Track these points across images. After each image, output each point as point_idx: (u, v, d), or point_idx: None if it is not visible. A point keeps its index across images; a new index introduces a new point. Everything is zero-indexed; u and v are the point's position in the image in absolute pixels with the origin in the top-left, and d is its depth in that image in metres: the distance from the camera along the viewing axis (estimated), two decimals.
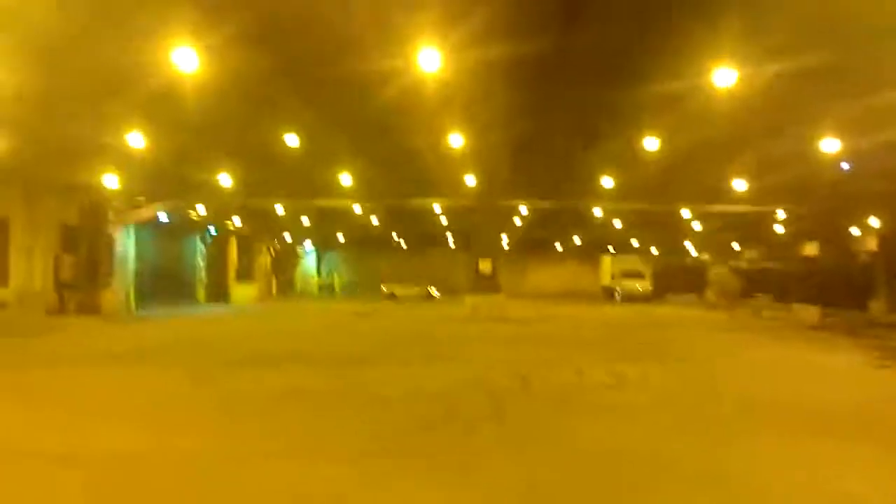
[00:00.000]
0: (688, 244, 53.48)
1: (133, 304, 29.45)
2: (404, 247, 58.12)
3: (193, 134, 18.04)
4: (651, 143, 18.27)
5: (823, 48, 11.31)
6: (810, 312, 26.90)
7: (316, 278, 62.25)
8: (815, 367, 14.60)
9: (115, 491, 5.62)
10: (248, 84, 14.09)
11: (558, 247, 58.35)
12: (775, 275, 39.53)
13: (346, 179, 24.65)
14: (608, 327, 24.58)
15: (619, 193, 26.75)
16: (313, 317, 30.18)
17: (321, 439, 7.52)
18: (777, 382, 12.17)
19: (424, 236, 50.07)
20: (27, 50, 12.38)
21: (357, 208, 33.94)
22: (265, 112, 16.52)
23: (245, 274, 45.79)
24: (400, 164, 22.45)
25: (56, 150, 19.84)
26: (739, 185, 24.38)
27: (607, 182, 24.78)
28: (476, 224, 32.63)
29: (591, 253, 57.18)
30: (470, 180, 24.68)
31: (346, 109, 16.24)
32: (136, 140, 18.06)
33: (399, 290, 48.21)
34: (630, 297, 45.12)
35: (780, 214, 32.66)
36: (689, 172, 22.56)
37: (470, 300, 29.58)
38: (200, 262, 41.09)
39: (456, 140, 18.36)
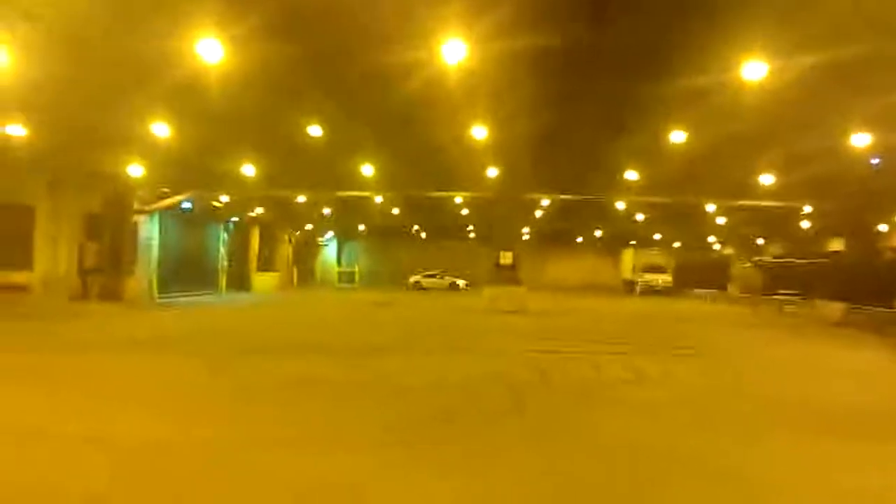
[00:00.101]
0: (711, 239, 52.99)
1: (155, 291, 29.76)
2: (424, 238, 58.20)
3: (217, 124, 18.11)
4: (676, 137, 18.09)
5: (854, 41, 11.11)
6: (834, 309, 26.52)
7: (336, 268, 62.51)
8: (839, 364, 14.40)
9: (137, 475, 5.67)
10: (272, 75, 14.11)
11: (579, 240, 58.09)
12: (800, 271, 39.01)
13: (367, 170, 24.65)
14: (628, 322, 24.43)
15: (643, 187, 26.52)
16: (333, 306, 30.34)
17: (340, 428, 7.54)
18: (799, 380, 12.02)
19: (445, 227, 50.12)
20: (54, 39, 12.50)
21: (378, 199, 33.99)
22: (289, 102, 16.55)
23: (266, 263, 46.07)
24: (422, 156, 22.39)
25: (81, 140, 20.03)
26: (765, 179, 24.06)
27: (630, 175, 24.57)
28: (497, 216, 32.55)
29: (612, 246, 56.90)
30: (492, 172, 24.58)
31: (369, 100, 16.22)
32: (160, 130, 18.20)
33: (426, 281, 48.42)
34: (651, 291, 44.83)
35: (806, 210, 32.22)
36: (715, 166, 22.28)
37: (490, 292, 29.54)
38: (222, 251, 41.37)
39: (478, 132, 18.29)
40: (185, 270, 35.46)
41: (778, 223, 38.43)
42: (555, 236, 52.58)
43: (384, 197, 33.66)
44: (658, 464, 6.40)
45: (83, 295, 26.63)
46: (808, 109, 15.37)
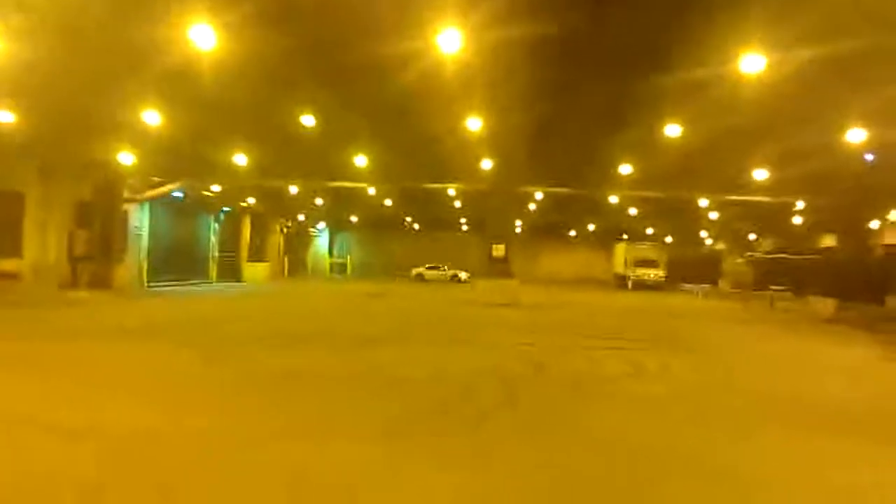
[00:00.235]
0: (703, 233, 53.14)
1: (145, 279, 29.60)
2: (417, 229, 58.14)
3: (209, 112, 17.96)
4: (670, 130, 18.05)
5: (850, 35, 11.08)
6: (826, 305, 26.60)
7: (328, 259, 62.37)
8: (830, 360, 14.41)
9: (126, 466, 5.57)
10: (266, 63, 13.98)
11: (572, 233, 58.12)
12: (791, 266, 39.15)
13: (360, 161, 24.53)
14: (621, 316, 24.43)
15: (636, 181, 26.51)
16: (325, 297, 30.24)
17: (333, 420, 7.45)
18: (791, 376, 12.02)
19: (438, 219, 50.14)
20: (45, 25, 12.33)
21: (371, 190, 33.87)
22: (282, 92, 16.41)
23: (257, 253, 45.91)
24: (415, 147, 22.29)
25: (72, 127, 19.85)
26: (758, 174, 24.08)
27: (624, 169, 24.55)
28: (490, 208, 32.50)
29: (604, 240, 56.98)
30: (486, 164, 24.50)
31: (363, 90, 16.10)
32: (151, 118, 18.03)
33: (428, 273, 48.73)
34: (642, 285, 44.89)
35: (799, 206, 32.29)
36: (708, 161, 22.29)
37: (483, 284, 29.50)
38: (213, 240, 41.18)
39: (472, 123, 18.20)
40: (176, 259, 35.30)
41: (770, 219, 38.57)
42: (548, 229, 52.66)
43: (377, 188, 33.55)
44: (653, 459, 6.35)
45: (73, 283, 26.42)
46: (802, 104, 15.37)
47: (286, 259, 52.55)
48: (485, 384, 9.74)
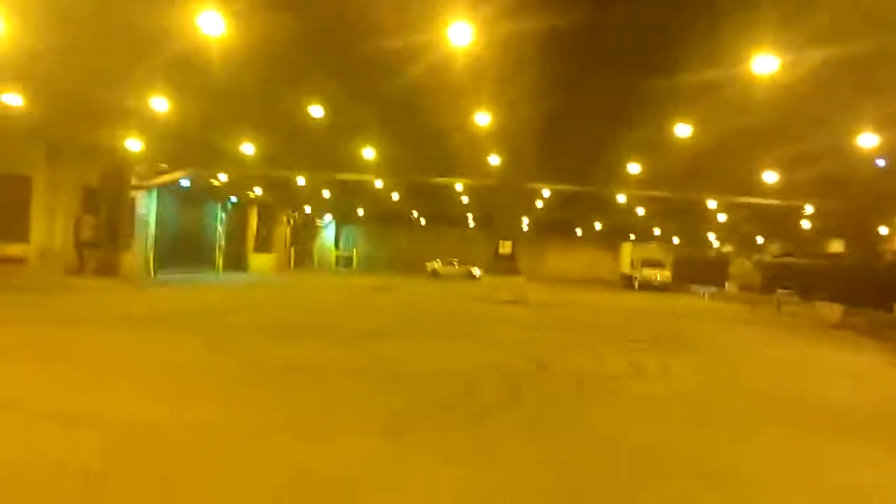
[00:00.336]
0: (710, 235, 52.94)
1: (152, 267, 29.63)
2: (424, 224, 58.08)
3: (219, 101, 17.94)
4: (679, 130, 17.94)
5: (862, 38, 10.95)
6: (833, 310, 26.41)
7: (334, 251, 62.41)
8: (835, 364, 14.32)
9: (127, 456, 5.54)
10: (276, 53, 13.92)
11: (579, 231, 57.95)
12: (799, 270, 38.95)
13: (368, 154, 24.49)
14: (627, 316, 24.33)
15: (645, 180, 26.40)
16: (331, 290, 30.22)
17: (337, 414, 7.41)
18: (795, 378, 11.95)
19: (445, 214, 50.09)
20: (54, 9, 12.30)
21: (379, 183, 33.81)
22: (291, 82, 16.37)
23: (264, 243, 45.94)
24: (424, 141, 22.23)
25: (81, 112, 19.85)
26: (768, 177, 23.92)
27: (633, 168, 24.44)
28: (498, 205, 32.40)
29: (611, 239, 56.82)
30: (494, 160, 24.42)
31: (373, 84, 16.06)
32: (160, 105, 18.01)
33: (443, 269, 48.94)
34: (649, 286, 44.74)
35: (808, 209, 32.09)
36: (718, 162, 22.17)
37: (489, 281, 29.44)
38: (220, 230, 41.22)
39: (481, 118, 18.12)
40: (182, 248, 35.36)
41: (779, 222, 38.35)
42: (555, 227, 52.54)
43: (384, 181, 33.50)
44: (654, 458, 6.31)
45: (79, 268, 26.46)
46: (813, 107, 15.24)
47: (292, 250, 52.57)
48: (488, 380, 9.68)
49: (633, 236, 52.90)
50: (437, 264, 50.97)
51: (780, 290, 34.60)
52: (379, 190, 36.27)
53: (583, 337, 16.10)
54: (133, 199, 28.73)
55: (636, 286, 45.64)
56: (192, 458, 5.63)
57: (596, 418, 7.88)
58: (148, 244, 29.72)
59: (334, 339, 13.41)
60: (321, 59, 14.52)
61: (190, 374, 9.18)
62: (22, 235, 25.11)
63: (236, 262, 41.62)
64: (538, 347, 13.39)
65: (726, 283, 44.84)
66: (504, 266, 29.37)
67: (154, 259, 30.27)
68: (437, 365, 10.98)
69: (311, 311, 19.73)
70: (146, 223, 29.49)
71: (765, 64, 12.40)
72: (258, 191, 40.47)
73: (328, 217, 59.38)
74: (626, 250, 52.26)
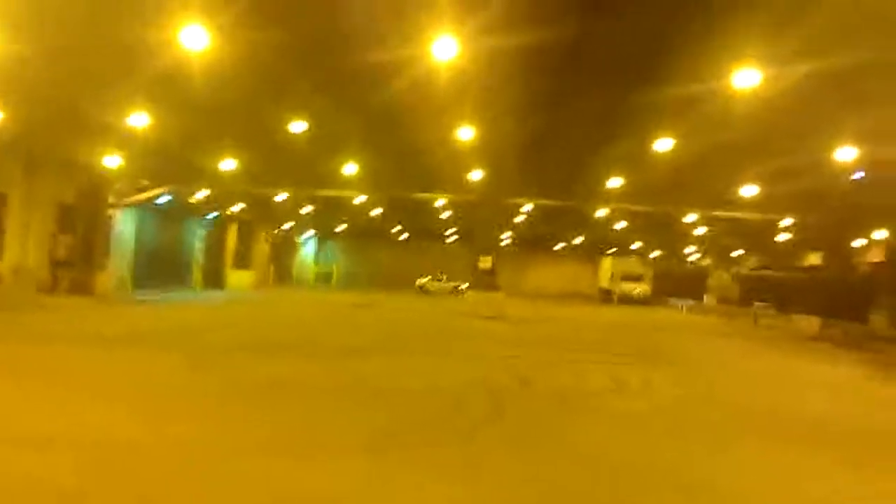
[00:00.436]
0: (689, 249, 53.35)
1: (128, 286, 29.26)
2: (404, 239, 58.00)
3: (199, 117, 17.79)
4: (659, 145, 18.09)
5: (842, 54, 11.12)
6: (810, 323, 26.73)
7: (314, 268, 62.07)
8: (813, 378, 14.47)
9: (102, 479, 5.42)
10: (257, 68, 13.84)
11: (559, 246, 58.16)
12: (776, 283, 39.38)
13: (350, 170, 24.44)
14: (606, 330, 24.42)
15: (625, 195, 26.57)
16: (310, 307, 30.03)
17: (319, 432, 7.33)
18: (774, 393, 12.04)
19: (426, 230, 50.09)
20: (33, 23, 12.16)
21: (360, 199, 33.72)
22: (273, 98, 16.28)
23: (243, 260, 45.58)
24: (405, 157, 22.21)
25: (58, 128, 19.61)
26: (746, 191, 24.19)
27: (614, 182, 24.59)
28: (478, 220, 32.45)
29: (591, 254, 57.05)
30: (475, 176, 24.47)
31: (354, 100, 16.01)
32: (140, 120, 17.85)
33: (431, 285, 49.32)
34: (628, 300, 44.96)
35: (786, 223, 32.46)
36: (698, 176, 22.35)
37: (469, 296, 29.43)
38: (198, 247, 40.82)
39: (462, 134, 18.16)
40: (160, 266, 34.95)
41: (757, 235, 38.73)
42: (535, 242, 52.65)
43: (365, 197, 33.43)
44: (634, 474, 6.34)
45: (52, 287, 26.02)
46: (791, 121, 15.41)
47: (272, 267, 52.21)
48: (471, 397, 9.64)
49: (613, 250, 53.16)
50: (425, 281, 51.10)
51: (757, 303, 34.96)
52: (360, 206, 36.18)
53: (563, 353, 16.11)
54: (110, 217, 28.39)
55: (615, 300, 45.86)
56: (172, 478, 5.52)
57: (579, 435, 7.89)
58: (124, 262, 29.37)
59: (314, 356, 13.30)
60: (302, 75, 14.47)
61: (168, 394, 9.00)
62: None
63: (214, 279, 41.22)
64: (520, 364, 13.37)
65: (704, 296, 45.21)
66: (485, 281, 29.37)
67: (131, 277, 29.89)
68: (419, 382, 10.93)
69: (292, 329, 19.56)
70: (123, 241, 29.15)
71: (744, 79, 12.55)
72: (238, 207, 40.18)
73: (308, 233, 59.11)
74: (606, 264, 52.53)
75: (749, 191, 24.13)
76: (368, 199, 34.14)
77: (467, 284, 48.22)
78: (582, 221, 37.95)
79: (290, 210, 41.08)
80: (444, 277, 51.49)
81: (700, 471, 6.50)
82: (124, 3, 11.48)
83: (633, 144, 18.68)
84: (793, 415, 9.69)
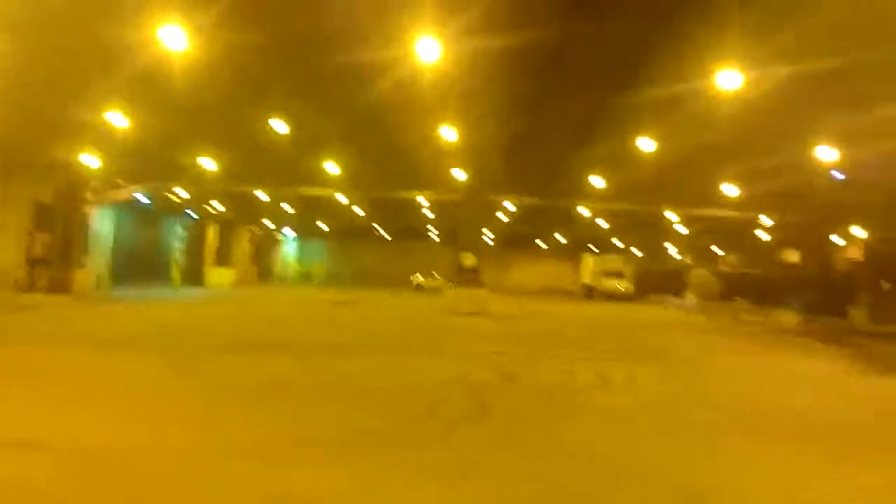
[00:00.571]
0: (670, 246, 53.73)
1: (107, 284, 28.94)
2: (387, 238, 57.90)
3: (178, 116, 17.60)
4: (641, 145, 18.17)
5: (823, 56, 11.23)
6: (789, 318, 27.00)
7: (296, 266, 61.78)
8: (793, 372, 14.60)
9: (85, 486, 5.34)
10: (236, 67, 13.71)
11: (541, 244, 58.31)
12: (756, 280, 39.75)
13: (332, 169, 24.32)
14: (590, 326, 24.50)
15: (608, 194, 26.67)
16: (291, 304, 29.85)
17: (305, 432, 7.26)
18: (756, 388, 12.15)
19: (408, 228, 50.08)
20: (11, 21, 11.97)
21: (341, 198, 33.57)
22: (253, 97, 16.14)
23: (223, 258, 45.28)
24: (388, 156, 22.13)
25: (34, 127, 19.33)
26: (726, 190, 24.37)
27: (596, 182, 24.68)
28: (462, 218, 32.45)
29: (573, 251, 57.25)
30: (458, 174, 24.44)
31: (336, 99, 15.93)
32: (116, 119, 17.65)
33: (425, 283, 49.62)
34: (610, 297, 45.19)
35: (765, 221, 32.75)
36: (680, 176, 22.48)
37: (452, 293, 29.41)
38: (178, 245, 40.48)
39: (445, 133, 18.12)
40: (139, 264, 34.66)
41: (737, 233, 39.07)
42: (518, 240, 52.76)
43: (347, 196, 33.28)
44: (619, 470, 6.36)
45: (30, 286, 25.67)
46: (772, 122, 15.53)
47: (253, 265, 51.90)
48: (457, 394, 9.62)
49: (595, 248, 53.38)
50: (419, 278, 51.53)
51: (738, 299, 35.25)
52: (342, 204, 36.02)
53: (548, 349, 16.14)
54: (87, 216, 28.04)
55: (597, 297, 46.11)
56: (159, 482, 5.45)
57: (565, 431, 7.89)
58: (102, 261, 29.02)
59: (297, 355, 13.19)
60: (283, 74, 14.36)
61: (148, 395, 8.89)
62: None
63: (194, 277, 40.90)
64: (505, 360, 13.37)
65: (686, 293, 45.50)
66: (468, 278, 29.39)
67: (110, 275, 29.56)
68: (403, 380, 10.90)
69: (273, 327, 19.38)
70: (101, 239, 28.80)
71: (725, 80, 12.64)
72: (218, 206, 39.87)
73: (290, 232, 58.81)
74: (588, 262, 52.73)
75: (730, 190, 24.31)
76: (350, 197, 34.00)
77: (450, 283, 48.57)
78: (565, 220, 38.06)
79: (272, 209, 40.82)
80: (436, 274, 51.81)
81: (686, 466, 6.53)
82: (102, 3, 11.31)
83: (614, 144, 18.75)
84: (777, 410, 9.77)
